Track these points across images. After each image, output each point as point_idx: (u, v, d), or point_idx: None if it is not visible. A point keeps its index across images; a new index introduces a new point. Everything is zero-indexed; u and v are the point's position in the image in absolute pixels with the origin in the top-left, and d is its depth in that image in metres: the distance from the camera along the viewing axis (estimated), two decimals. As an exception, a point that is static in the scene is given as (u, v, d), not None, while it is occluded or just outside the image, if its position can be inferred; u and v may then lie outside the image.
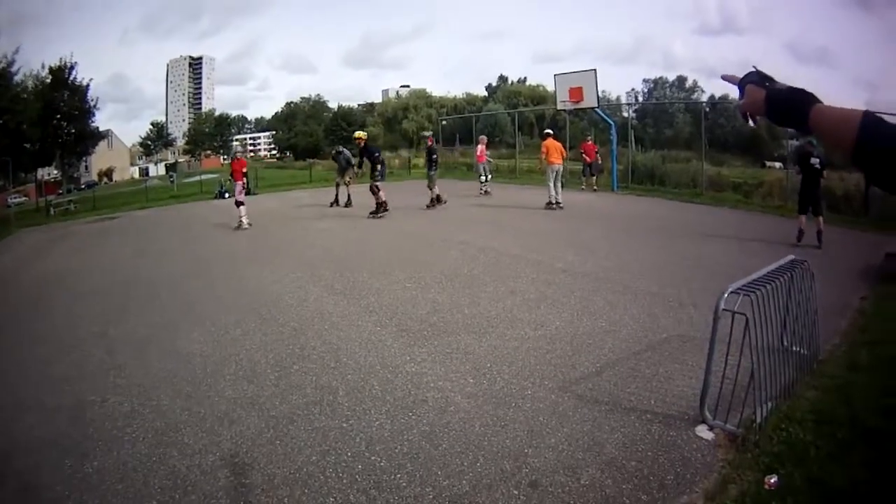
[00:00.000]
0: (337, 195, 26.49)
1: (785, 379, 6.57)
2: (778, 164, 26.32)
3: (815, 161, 15.08)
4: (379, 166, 21.65)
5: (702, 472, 5.37)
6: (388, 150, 79.53)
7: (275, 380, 7.73)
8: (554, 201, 23.30)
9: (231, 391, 7.48)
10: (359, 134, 23.40)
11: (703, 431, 6.06)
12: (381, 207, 22.08)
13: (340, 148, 27.04)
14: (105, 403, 7.39)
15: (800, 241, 15.07)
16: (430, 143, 25.81)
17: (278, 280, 13.41)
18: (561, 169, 24.17)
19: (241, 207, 22.31)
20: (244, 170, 23.17)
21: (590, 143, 30.85)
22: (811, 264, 7.46)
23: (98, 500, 5.32)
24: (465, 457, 5.71)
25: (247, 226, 22.02)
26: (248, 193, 34.37)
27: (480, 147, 29.14)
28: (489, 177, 29.05)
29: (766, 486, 5.00)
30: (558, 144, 24.08)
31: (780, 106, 1.88)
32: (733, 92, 2.15)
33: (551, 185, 23.15)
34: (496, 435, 6.12)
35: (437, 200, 24.19)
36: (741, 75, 2.06)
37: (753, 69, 2.05)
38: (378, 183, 21.46)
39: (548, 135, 24.87)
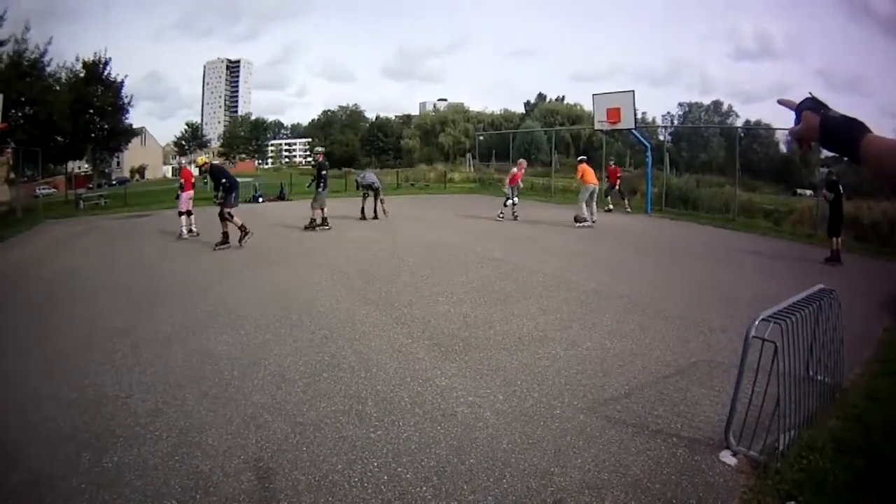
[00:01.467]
0: (363, 207, 26.20)
1: (809, 407, 6.63)
2: (808, 192, 26.15)
3: (840, 188, 16.22)
4: (233, 193, 19.64)
5: (723, 497, 5.41)
6: (424, 163, 79.53)
7: (303, 386, 7.80)
8: (590, 220, 24.08)
9: (258, 395, 7.55)
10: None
11: (726, 457, 6.09)
12: (226, 237, 19.65)
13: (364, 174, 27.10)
14: (129, 399, 7.45)
15: (830, 260, 16.54)
16: (320, 158, 23.92)
17: (308, 286, 13.65)
18: (596, 189, 24.93)
19: (183, 217, 22.29)
20: (193, 179, 23.40)
21: (612, 166, 31.27)
22: (839, 294, 7.49)
23: (115, 495, 5.36)
24: (491, 473, 5.74)
25: (187, 236, 22.00)
26: (281, 199, 34.56)
27: (516, 171, 28.00)
28: (516, 200, 27.67)
29: None
30: (591, 169, 25.17)
31: (834, 133, 1.96)
32: (770, 117, 2.21)
33: (584, 204, 24.02)
34: (523, 453, 6.15)
35: (321, 223, 23.32)
36: (792, 100, 2.18)
37: (809, 94, 2.14)
38: (231, 210, 19.37)
39: (583, 160, 26.26)
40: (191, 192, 22.87)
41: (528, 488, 5.52)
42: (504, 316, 11.06)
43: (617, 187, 31.01)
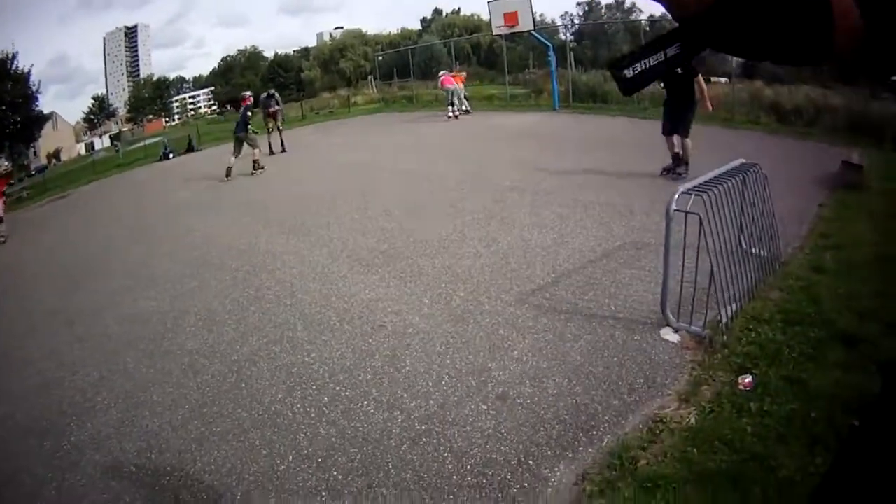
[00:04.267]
0: (270, 143, 24.46)
1: (747, 280, 6.53)
2: (723, 79, 26.01)
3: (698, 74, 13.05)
4: None
5: (672, 375, 5.34)
6: (327, 91, 78.90)
7: (234, 324, 7.62)
8: (451, 114, 28.06)
9: (192, 342, 7.36)
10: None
11: (668, 334, 6.02)
12: None
13: (272, 91, 25.33)
14: (74, 377, 7.16)
15: (670, 170, 12.85)
16: (245, 103, 22.41)
17: (227, 227, 13.21)
18: (453, 89, 28.84)
19: None
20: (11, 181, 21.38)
21: (447, 75, 31.54)
22: (765, 169, 7.32)
23: (78, 476, 5.19)
24: (429, 377, 5.68)
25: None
26: (190, 150, 33.67)
27: (443, 76, 30.32)
28: (458, 105, 29.19)
29: (741, 387, 4.94)
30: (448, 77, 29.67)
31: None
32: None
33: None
34: (458, 352, 6.08)
35: (255, 164, 21.22)
36: None
37: None
38: None
39: (443, 73, 30.98)
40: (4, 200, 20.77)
41: (468, 387, 5.45)
42: (421, 223, 10.92)
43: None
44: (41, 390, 7.04)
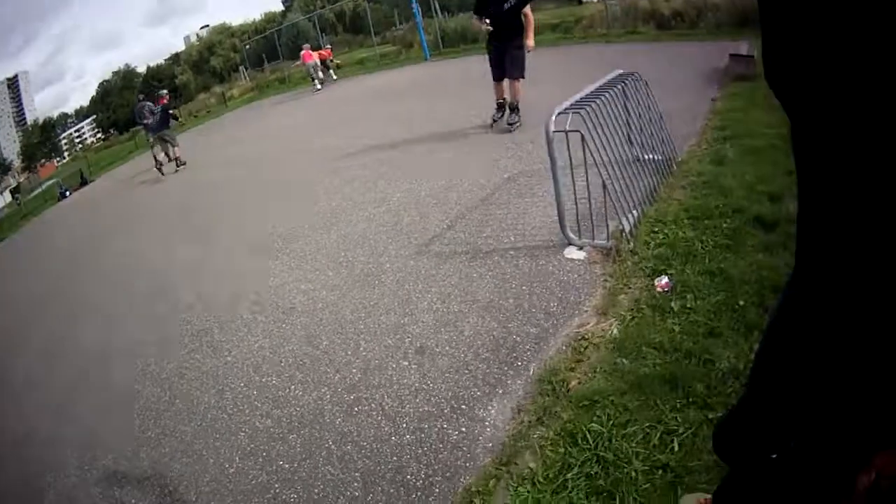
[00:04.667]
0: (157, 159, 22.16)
1: (645, 186, 6.53)
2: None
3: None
4: None
5: (585, 292, 5.31)
6: (203, 91, 78.21)
7: (156, 343, 7.36)
8: (318, 85, 30.36)
9: (122, 373, 7.01)
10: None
11: (572, 253, 6.00)
12: None
13: (141, 98, 24.49)
14: None
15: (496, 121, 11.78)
16: (163, 101, 22.21)
17: (127, 251, 12.58)
18: (312, 63, 31.04)
19: None
20: None
21: (306, 51, 32.79)
22: (646, 76, 7.29)
23: None
24: (347, 346, 5.60)
25: None
26: (84, 184, 33.15)
27: (303, 52, 31.83)
28: (321, 75, 31.35)
29: (659, 289, 4.88)
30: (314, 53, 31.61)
31: None
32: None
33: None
34: (370, 316, 6.02)
35: (173, 162, 21.40)
36: None
37: None
38: None
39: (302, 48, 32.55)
40: None
41: (386, 347, 5.40)
42: (311, 199, 10.73)
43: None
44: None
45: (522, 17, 10.67)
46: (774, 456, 1.99)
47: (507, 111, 11.44)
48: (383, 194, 9.63)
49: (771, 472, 1.99)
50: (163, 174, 20.45)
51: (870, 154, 1.11)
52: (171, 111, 22.61)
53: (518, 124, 11.04)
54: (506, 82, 11.20)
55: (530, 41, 10.85)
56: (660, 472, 3.20)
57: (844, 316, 1.36)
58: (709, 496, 2.74)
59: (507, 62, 10.89)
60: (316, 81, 30.63)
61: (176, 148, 20.90)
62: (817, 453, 1.68)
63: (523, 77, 10.95)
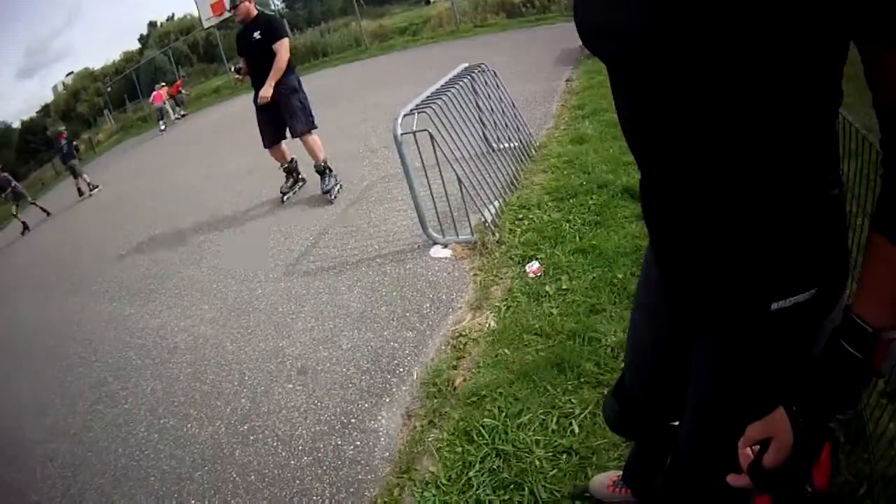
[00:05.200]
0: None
1: (503, 175, 6.58)
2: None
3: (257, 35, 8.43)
4: None
5: (456, 289, 5.33)
6: (74, 139, 76.71)
7: (59, 397, 7.04)
8: (162, 127, 30.02)
9: (32, 433, 6.67)
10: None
11: (438, 252, 6.04)
12: None
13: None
14: None
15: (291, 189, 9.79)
16: (63, 138, 24.45)
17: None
18: (159, 106, 31.63)
19: None
20: None
21: (157, 91, 33.10)
22: (497, 65, 7.41)
23: None
24: (232, 378, 5.51)
25: None
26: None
27: (154, 93, 32.31)
28: (172, 114, 32.15)
29: (531, 275, 4.90)
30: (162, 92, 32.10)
31: None
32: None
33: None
34: (248, 344, 5.94)
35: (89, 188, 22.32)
36: None
37: None
38: None
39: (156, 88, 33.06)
40: None
41: (269, 373, 5.33)
42: (177, 235, 10.52)
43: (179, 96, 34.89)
44: None
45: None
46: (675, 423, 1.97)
47: (296, 175, 9.64)
48: (245, 221, 9.60)
49: (672, 441, 1.95)
50: (80, 196, 21.65)
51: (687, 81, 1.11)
52: (73, 143, 24.52)
53: (338, 187, 8.91)
54: (283, 145, 9.07)
55: (266, 88, 8.15)
56: (564, 456, 3.17)
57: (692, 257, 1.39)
58: (619, 473, 2.71)
59: (284, 116, 8.50)
60: (161, 122, 30.54)
61: (83, 176, 22.22)
62: (707, 417, 1.69)
63: (314, 126, 8.68)
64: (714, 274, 1.35)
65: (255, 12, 8.43)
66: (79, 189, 22.18)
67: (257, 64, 8.30)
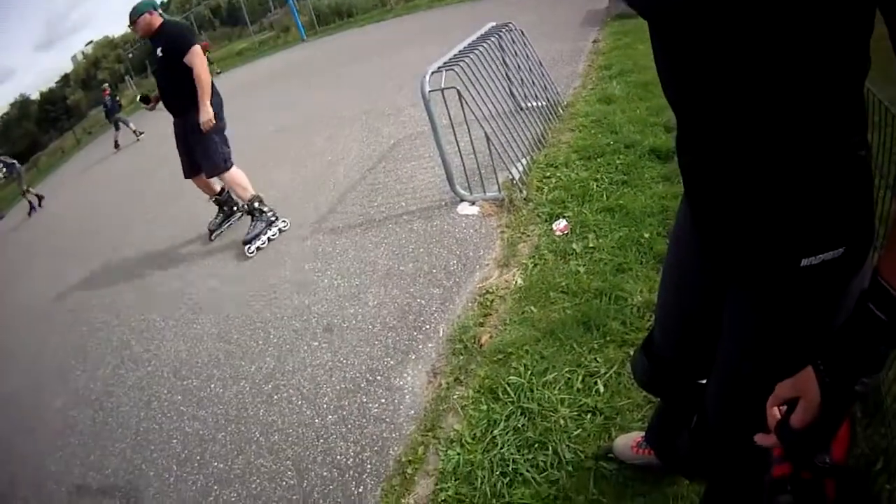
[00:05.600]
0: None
1: (531, 133, 6.51)
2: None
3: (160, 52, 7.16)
4: None
5: (483, 245, 5.33)
6: (95, 109, 76.98)
7: (81, 365, 7.00)
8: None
9: (55, 399, 6.65)
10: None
11: (465, 209, 6.01)
12: None
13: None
14: None
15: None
16: (106, 94, 25.32)
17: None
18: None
19: None
20: None
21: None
22: (524, 25, 7.33)
23: None
24: (257, 337, 5.49)
25: None
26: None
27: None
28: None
29: (558, 233, 4.87)
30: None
31: None
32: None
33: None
34: (273, 303, 5.93)
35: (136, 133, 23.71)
36: None
37: None
38: None
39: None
40: None
41: (294, 331, 5.35)
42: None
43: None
44: None
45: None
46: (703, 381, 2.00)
47: (228, 208, 8.10)
48: (270, 179, 9.39)
49: (699, 401, 2.00)
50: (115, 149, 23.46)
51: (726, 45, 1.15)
52: (117, 99, 26.15)
53: (268, 235, 7.21)
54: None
55: (203, 113, 6.70)
56: (589, 416, 3.15)
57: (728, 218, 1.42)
58: (643, 434, 2.71)
59: (195, 150, 7.11)
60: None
61: (131, 124, 24.23)
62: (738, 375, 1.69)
63: (226, 169, 7.12)
64: (746, 228, 1.37)
65: (158, 23, 6.95)
66: (115, 142, 23.75)
67: (167, 83, 7.01)
